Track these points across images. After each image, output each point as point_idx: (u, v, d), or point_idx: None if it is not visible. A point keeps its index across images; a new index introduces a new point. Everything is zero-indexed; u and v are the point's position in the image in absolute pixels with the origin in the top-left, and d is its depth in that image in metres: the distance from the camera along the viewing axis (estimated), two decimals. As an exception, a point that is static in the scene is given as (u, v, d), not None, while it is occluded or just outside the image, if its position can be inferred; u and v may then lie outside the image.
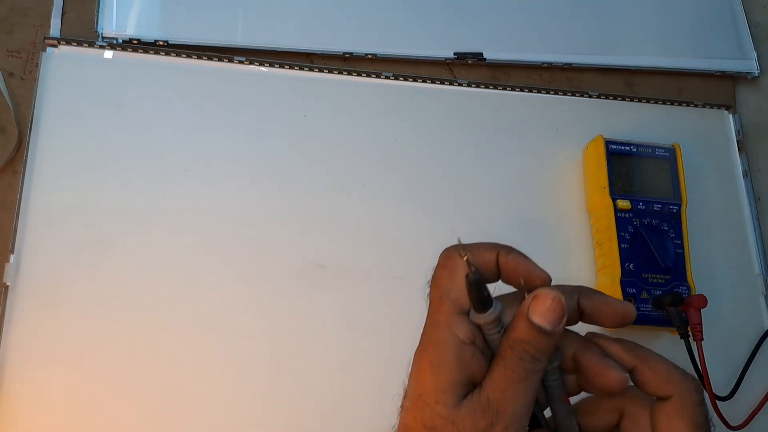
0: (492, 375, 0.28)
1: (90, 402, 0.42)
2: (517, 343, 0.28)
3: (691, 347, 0.46)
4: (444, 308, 0.29)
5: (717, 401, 0.46)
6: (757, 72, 0.61)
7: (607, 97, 0.57)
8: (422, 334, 0.29)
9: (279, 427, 0.44)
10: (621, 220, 0.49)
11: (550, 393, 0.30)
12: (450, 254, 0.31)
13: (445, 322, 0.29)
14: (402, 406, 0.29)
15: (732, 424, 0.46)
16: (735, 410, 0.49)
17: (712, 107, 0.59)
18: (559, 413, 0.30)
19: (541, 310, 0.28)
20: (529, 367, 0.28)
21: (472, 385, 0.29)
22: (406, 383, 0.29)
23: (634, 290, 0.47)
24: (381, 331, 0.46)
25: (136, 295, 0.45)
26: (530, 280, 0.29)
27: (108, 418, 0.42)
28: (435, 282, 0.30)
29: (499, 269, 0.30)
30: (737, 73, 0.61)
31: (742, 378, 0.50)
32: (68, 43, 0.49)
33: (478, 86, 0.56)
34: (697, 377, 0.32)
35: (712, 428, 0.31)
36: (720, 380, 0.49)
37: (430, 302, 0.30)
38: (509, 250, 0.30)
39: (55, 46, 0.49)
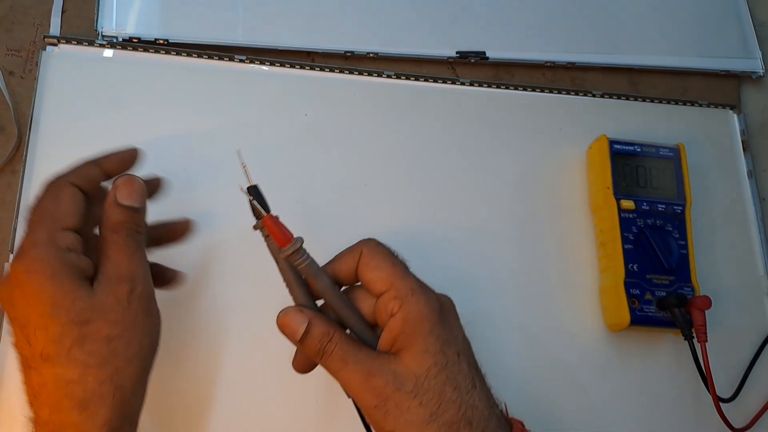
0: (109, 255, 0.34)
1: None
2: (118, 226, 0.34)
3: (695, 349, 0.46)
4: (44, 226, 0.33)
5: (720, 403, 0.46)
6: (761, 71, 0.60)
7: (610, 97, 0.57)
8: (22, 254, 0.33)
9: (279, 428, 0.43)
10: (625, 221, 0.49)
11: (308, 271, 0.34)
12: (55, 182, 0.35)
13: (46, 238, 0.33)
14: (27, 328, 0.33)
15: (735, 426, 0.46)
16: (739, 413, 0.48)
17: (716, 107, 0.59)
18: (322, 285, 0.35)
19: (127, 194, 0.35)
20: (137, 238, 0.35)
21: (89, 279, 0.33)
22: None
23: (637, 291, 0.47)
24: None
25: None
26: (112, 166, 0.37)
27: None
28: (36, 208, 0.34)
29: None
30: (742, 72, 0.60)
31: (745, 380, 0.49)
32: (68, 41, 0.49)
33: (480, 85, 0.55)
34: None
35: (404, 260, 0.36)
36: (724, 382, 0.49)
37: (28, 226, 0.34)
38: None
39: (54, 44, 0.49)
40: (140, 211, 0.35)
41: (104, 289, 0.33)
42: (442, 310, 0.35)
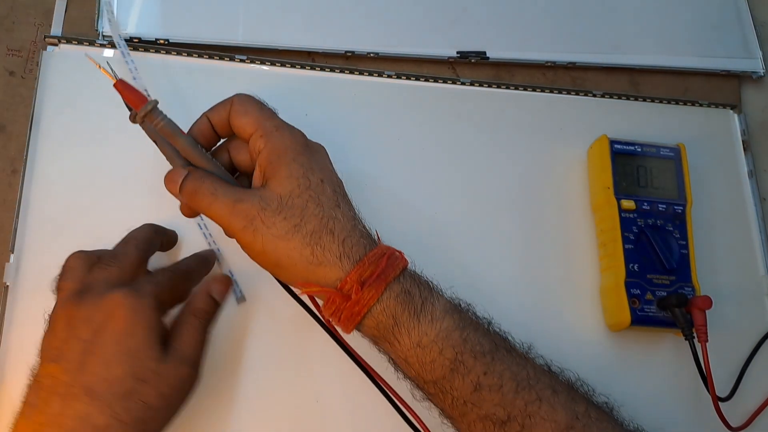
0: (183, 334, 0.37)
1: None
2: (201, 312, 0.39)
3: (695, 348, 0.46)
4: (168, 287, 0.39)
5: (719, 402, 0.46)
6: (762, 71, 0.60)
7: (611, 97, 0.57)
8: (134, 291, 0.36)
9: (279, 427, 0.43)
10: (625, 221, 0.49)
11: (167, 131, 0.36)
12: (205, 264, 0.45)
13: (157, 293, 0.37)
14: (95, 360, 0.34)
15: (733, 425, 0.46)
16: (736, 411, 0.48)
17: (717, 107, 0.59)
18: (182, 143, 0.37)
19: (220, 291, 0.40)
20: (209, 327, 0.39)
21: (163, 343, 0.36)
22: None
23: (638, 291, 0.47)
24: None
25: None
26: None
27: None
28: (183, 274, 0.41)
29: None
30: (742, 72, 0.60)
31: (741, 377, 0.49)
32: (69, 41, 0.49)
33: (481, 85, 0.55)
34: None
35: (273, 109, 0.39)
36: (724, 382, 0.49)
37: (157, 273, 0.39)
38: None
39: (55, 44, 0.49)
40: (220, 305, 0.40)
41: (169, 362, 0.36)
42: (308, 146, 0.38)
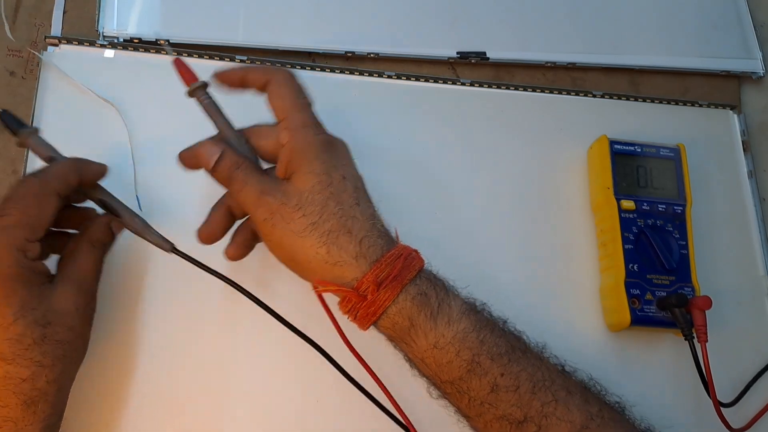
0: (79, 265, 0.38)
1: (89, 401, 0.42)
2: (98, 243, 0.39)
3: (695, 349, 0.46)
4: (21, 232, 0.35)
5: (721, 407, 0.46)
6: (762, 72, 0.60)
7: (611, 97, 0.57)
8: None
9: (280, 427, 0.43)
10: (625, 221, 0.49)
11: (209, 109, 0.39)
12: (42, 187, 0.37)
13: (20, 245, 0.35)
14: None
15: (734, 426, 0.46)
16: (737, 412, 0.48)
17: (717, 107, 0.59)
18: (221, 122, 0.39)
19: (117, 224, 0.40)
20: (102, 257, 0.39)
21: (49, 280, 0.37)
22: None
23: (638, 291, 0.47)
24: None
25: (136, 293, 0.45)
26: (89, 178, 0.39)
27: (106, 416, 0.42)
28: (18, 206, 0.35)
29: None
30: (742, 72, 0.60)
31: (748, 389, 0.49)
32: (69, 42, 0.49)
33: (481, 86, 0.55)
34: None
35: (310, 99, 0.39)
36: (724, 382, 0.49)
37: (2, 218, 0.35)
38: None
39: (56, 45, 0.49)
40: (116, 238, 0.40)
41: (65, 295, 0.36)
42: (331, 143, 0.38)
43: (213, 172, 0.38)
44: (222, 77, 0.40)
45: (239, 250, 0.41)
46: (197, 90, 0.39)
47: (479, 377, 0.35)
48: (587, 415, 0.35)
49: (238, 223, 0.42)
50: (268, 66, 0.39)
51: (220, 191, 0.41)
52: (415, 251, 0.38)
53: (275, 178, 0.38)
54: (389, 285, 0.35)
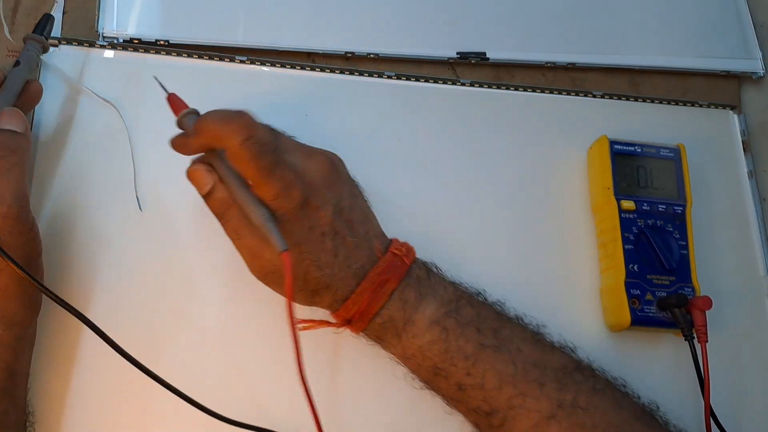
0: None
1: (89, 400, 0.42)
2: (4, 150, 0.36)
3: (695, 349, 0.46)
4: None
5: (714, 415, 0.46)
6: (762, 72, 0.60)
7: (611, 97, 0.57)
8: None
9: (280, 427, 0.43)
10: (625, 221, 0.49)
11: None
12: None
13: None
14: None
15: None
16: (736, 413, 0.48)
17: (717, 107, 0.59)
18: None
19: (7, 120, 0.37)
20: (11, 159, 0.36)
21: None
22: None
23: (638, 291, 0.47)
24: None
25: (136, 293, 0.45)
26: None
27: (105, 415, 0.42)
28: None
29: None
30: (742, 72, 0.60)
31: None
32: (69, 42, 0.49)
33: (481, 86, 0.55)
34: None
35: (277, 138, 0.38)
36: (723, 382, 0.49)
37: None
38: None
39: (55, 45, 0.49)
40: (21, 135, 0.38)
41: None
42: (307, 200, 0.38)
43: (206, 201, 0.39)
44: (179, 150, 0.39)
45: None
46: (186, 117, 0.39)
47: (445, 379, 0.40)
48: (557, 403, 0.38)
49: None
50: (216, 128, 0.36)
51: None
52: (397, 261, 0.40)
53: (261, 236, 0.38)
54: (357, 322, 0.40)
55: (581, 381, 0.40)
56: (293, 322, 0.36)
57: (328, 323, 0.42)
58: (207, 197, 0.38)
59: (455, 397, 0.40)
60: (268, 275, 0.39)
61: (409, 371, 0.42)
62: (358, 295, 0.39)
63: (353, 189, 0.42)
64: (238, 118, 0.36)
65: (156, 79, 0.40)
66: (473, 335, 0.39)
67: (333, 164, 0.40)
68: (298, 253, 0.38)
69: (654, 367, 0.49)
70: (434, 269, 0.43)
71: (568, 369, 0.40)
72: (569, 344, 0.43)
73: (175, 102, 0.39)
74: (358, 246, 0.40)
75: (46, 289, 0.35)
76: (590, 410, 0.38)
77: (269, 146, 0.36)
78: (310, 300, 0.40)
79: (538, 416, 0.38)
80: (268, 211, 0.37)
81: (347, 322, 0.40)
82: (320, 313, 0.43)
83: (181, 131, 0.39)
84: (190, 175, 0.39)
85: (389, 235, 0.44)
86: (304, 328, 0.42)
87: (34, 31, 0.42)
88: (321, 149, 0.41)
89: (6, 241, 0.35)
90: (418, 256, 0.43)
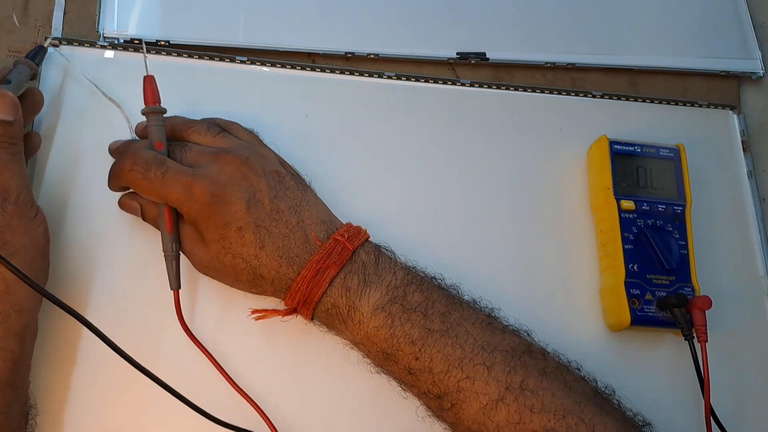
0: None
1: (88, 400, 0.42)
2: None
3: (695, 349, 0.46)
4: None
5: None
6: (761, 72, 0.60)
7: (611, 97, 0.57)
8: None
9: (280, 427, 0.44)
10: (625, 221, 0.49)
11: (155, 135, 0.43)
12: None
13: None
14: None
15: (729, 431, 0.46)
16: (736, 414, 0.48)
17: (716, 107, 0.59)
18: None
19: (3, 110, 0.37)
20: (10, 150, 0.37)
21: None
22: None
23: (638, 291, 0.47)
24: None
25: (136, 293, 0.45)
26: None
27: (106, 415, 0.42)
28: None
29: None
30: (742, 73, 0.60)
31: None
32: (69, 42, 0.49)
33: (480, 86, 0.55)
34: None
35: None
36: (723, 382, 0.49)
37: None
38: None
39: (56, 45, 0.49)
40: (14, 124, 0.38)
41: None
42: (214, 196, 0.40)
43: (145, 221, 0.44)
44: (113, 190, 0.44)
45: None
46: (154, 113, 0.43)
47: (395, 363, 0.40)
48: (505, 386, 0.38)
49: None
50: (114, 170, 0.42)
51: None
52: (338, 247, 0.41)
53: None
54: (302, 309, 0.41)
55: (531, 363, 0.40)
56: (190, 336, 0.43)
57: (278, 312, 0.42)
58: (144, 219, 0.43)
59: (406, 381, 0.41)
60: (205, 269, 0.42)
61: (362, 356, 0.43)
62: (297, 284, 0.40)
63: (279, 181, 0.42)
64: (119, 153, 0.43)
65: (144, 55, 0.44)
66: (419, 320, 0.40)
67: (243, 161, 0.41)
68: (220, 248, 0.40)
69: (654, 366, 0.49)
70: (386, 252, 0.43)
71: (518, 351, 0.40)
72: (524, 327, 0.43)
73: (150, 87, 0.43)
74: (290, 235, 0.41)
75: (46, 291, 0.35)
76: (539, 392, 0.38)
77: (153, 162, 0.40)
78: (253, 290, 0.42)
79: (486, 399, 0.38)
80: (175, 247, 0.42)
81: (294, 311, 0.42)
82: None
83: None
84: (120, 207, 0.44)
85: (388, 235, 0.44)
86: (258, 318, 0.43)
87: (26, 57, 0.43)
88: (235, 152, 0.42)
89: (15, 225, 0.37)
90: (415, 254, 0.43)
